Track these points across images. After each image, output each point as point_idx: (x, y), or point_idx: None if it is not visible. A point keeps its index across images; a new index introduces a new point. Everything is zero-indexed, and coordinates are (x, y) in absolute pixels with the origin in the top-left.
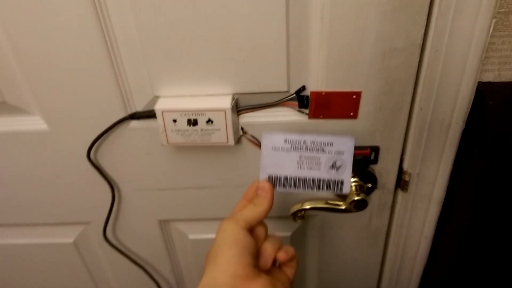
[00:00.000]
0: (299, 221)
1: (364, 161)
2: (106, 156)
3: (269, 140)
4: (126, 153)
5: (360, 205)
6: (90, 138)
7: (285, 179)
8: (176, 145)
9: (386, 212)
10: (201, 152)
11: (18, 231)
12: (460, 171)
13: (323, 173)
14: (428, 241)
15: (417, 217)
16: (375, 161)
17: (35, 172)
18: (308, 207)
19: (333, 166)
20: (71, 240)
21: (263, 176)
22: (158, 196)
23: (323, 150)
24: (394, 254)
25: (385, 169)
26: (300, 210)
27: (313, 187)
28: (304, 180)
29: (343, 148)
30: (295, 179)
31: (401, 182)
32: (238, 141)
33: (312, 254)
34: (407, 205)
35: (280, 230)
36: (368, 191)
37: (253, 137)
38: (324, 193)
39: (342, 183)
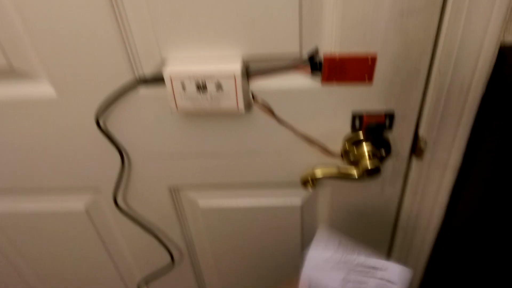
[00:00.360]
0: (309, 189)
1: (379, 128)
2: (115, 123)
3: (312, 258)
4: (136, 120)
5: (373, 173)
6: (99, 104)
7: None
8: (185, 112)
9: (400, 180)
10: (211, 119)
11: (30, 200)
12: (478, 138)
13: None
14: (442, 209)
15: (432, 185)
16: (389, 127)
17: (44, 139)
18: (318, 175)
19: None
20: (82, 208)
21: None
22: (168, 163)
23: (374, 274)
24: (406, 222)
25: (400, 136)
26: (311, 178)
27: None
28: None
29: (395, 278)
30: None
31: (416, 149)
32: (248, 108)
33: (323, 223)
34: (421, 173)
35: (289, 200)
36: (382, 159)
37: (263, 104)
38: None
39: None
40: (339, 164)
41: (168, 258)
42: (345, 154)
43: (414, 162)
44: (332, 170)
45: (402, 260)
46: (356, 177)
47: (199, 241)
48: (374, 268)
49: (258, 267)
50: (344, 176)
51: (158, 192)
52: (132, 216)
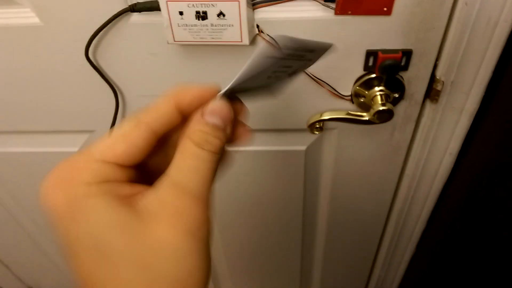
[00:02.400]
0: (316, 132)
1: (394, 67)
2: (107, 56)
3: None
4: (128, 53)
5: (384, 116)
6: (88, 34)
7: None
8: (183, 43)
9: (411, 125)
10: (212, 53)
11: (22, 139)
12: (497, 81)
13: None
14: (452, 157)
15: (444, 131)
16: (405, 67)
17: (31, 73)
18: (327, 117)
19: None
20: (75, 149)
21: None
22: None
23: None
24: (413, 171)
25: (415, 77)
26: (319, 121)
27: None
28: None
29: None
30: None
31: (432, 92)
32: (253, 41)
33: (326, 169)
34: (434, 117)
35: (293, 144)
36: (394, 102)
37: (270, 36)
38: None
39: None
40: (349, 107)
41: None
42: (355, 97)
43: (428, 106)
44: (341, 113)
45: (404, 211)
46: (367, 119)
47: None
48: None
49: (258, 212)
50: (354, 119)
51: None
52: None
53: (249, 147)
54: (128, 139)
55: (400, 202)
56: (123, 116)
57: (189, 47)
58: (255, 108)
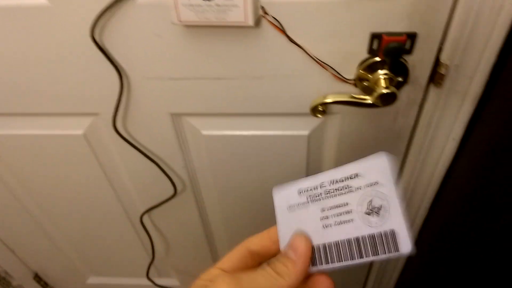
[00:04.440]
0: (319, 116)
1: (398, 50)
2: (112, 38)
3: (282, 199)
4: (134, 34)
5: (388, 100)
6: (94, 14)
7: (316, 250)
8: (188, 24)
9: (414, 110)
10: (217, 35)
11: (27, 121)
12: (502, 65)
13: (360, 226)
14: (456, 142)
15: (448, 116)
16: (410, 50)
17: (37, 54)
18: (330, 100)
19: (371, 209)
20: (80, 132)
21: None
22: (170, 86)
23: (350, 188)
24: (415, 156)
25: (420, 61)
26: (322, 104)
27: (353, 255)
28: (337, 246)
29: (376, 175)
30: (325, 247)
31: (436, 76)
32: (257, 23)
33: (328, 154)
34: (438, 102)
35: (296, 129)
36: (398, 86)
37: (274, 18)
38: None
39: (393, 233)
40: (353, 91)
41: (171, 188)
42: (359, 81)
43: (432, 90)
44: (344, 96)
45: (407, 197)
46: (370, 102)
47: (202, 170)
48: (350, 178)
49: (260, 197)
50: (357, 102)
51: (159, 118)
52: (131, 142)
53: (252, 131)
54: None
55: (402, 188)
56: (128, 98)
57: (194, 29)
58: (257, 92)
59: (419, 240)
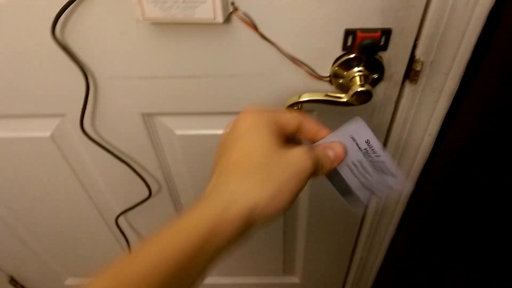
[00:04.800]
0: None
1: (373, 47)
2: (75, 36)
3: (355, 129)
4: (98, 32)
5: (363, 98)
6: (54, 11)
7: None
8: (154, 21)
9: (390, 107)
10: (186, 32)
11: None
12: (477, 60)
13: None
14: (432, 138)
15: (423, 113)
16: (384, 47)
17: None
18: (305, 99)
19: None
20: (47, 133)
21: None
22: (139, 86)
23: (382, 174)
24: (393, 152)
25: (394, 57)
26: (297, 103)
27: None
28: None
29: (397, 186)
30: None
31: (411, 73)
32: (227, 19)
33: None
34: (414, 98)
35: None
36: (374, 83)
37: (245, 15)
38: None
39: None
40: (328, 89)
41: (146, 190)
42: (334, 78)
43: (407, 87)
44: (319, 95)
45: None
46: (345, 100)
47: (177, 170)
48: (386, 170)
49: None
50: (332, 100)
51: (129, 118)
52: (101, 144)
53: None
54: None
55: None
56: (95, 98)
57: (162, 26)
58: (231, 90)
59: (398, 234)
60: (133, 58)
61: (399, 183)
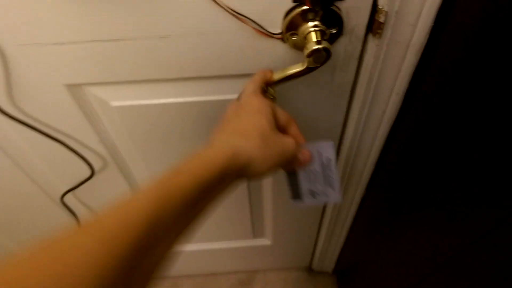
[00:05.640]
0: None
1: None
2: None
3: (323, 148)
4: None
5: (321, 57)
6: None
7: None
8: None
9: (353, 64)
10: None
11: None
12: (448, 10)
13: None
14: (399, 97)
15: (390, 69)
16: None
17: None
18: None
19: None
20: None
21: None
22: (56, 53)
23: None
24: (358, 113)
25: (354, 8)
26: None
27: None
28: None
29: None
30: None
31: (374, 25)
32: None
33: None
34: (378, 54)
35: (223, 93)
36: (332, 38)
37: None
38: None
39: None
40: (281, 48)
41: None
42: (287, 35)
43: (371, 41)
44: (279, 73)
45: (352, 155)
46: (302, 69)
47: (122, 142)
48: (331, 184)
49: None
50: (292, 75)
51: (53, 91)
52: (26, 122)
53: (171, 99)
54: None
55: (346, 147)
56: (7, 71)
57: None
58: (167, 53)
59: (367, 195)
60: (44, 20)
61: (336, 197)
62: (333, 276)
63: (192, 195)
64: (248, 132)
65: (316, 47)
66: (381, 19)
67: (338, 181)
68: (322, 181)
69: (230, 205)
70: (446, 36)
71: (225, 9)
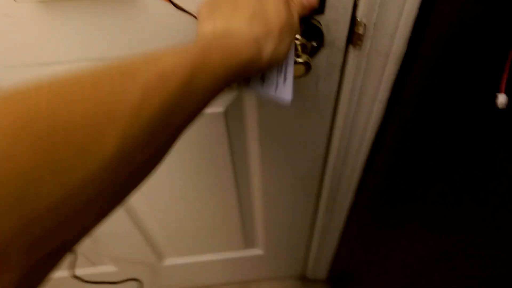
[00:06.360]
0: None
1: None
2: None
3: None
4: None
5: (301, 70)
6: None
7: None
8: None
9: (335, 75)
10: (83, 10)
11: None
12: (425, 21)
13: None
14: (383, 105)
15: (371, 78)
16: (321, 10)
17: None
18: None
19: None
20: None
21: None
22: (41, 73)
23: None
24: (343, 122)
25: (334, 21)
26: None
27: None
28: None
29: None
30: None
31: (354, 37)
32: None
33: (251, 130)
34: (360, 64)
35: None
36: (313, 51)
37: None
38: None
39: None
40: None
41: None
42: None
43: (351, 52)
44: None
45: (339, 163)
46: None
47: None
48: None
49: (188, 182)
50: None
51: None
52: None
53: None
54: None
55: (333, 155)
56: None
57: (51, 4)
58: None
59: (356, 202)
60: (23, 43)
61: (285, 92)
62: (327, 284)
63: (221, 75)
64: (270, 24)
65: (297, 60)
66: (360, 31)
67: (291, 73)
68: (276, 68)
69: (220, 216)
70: (425, 45)
71: None
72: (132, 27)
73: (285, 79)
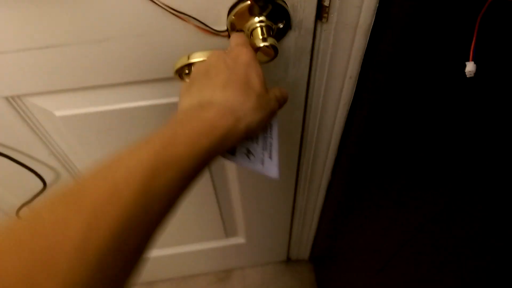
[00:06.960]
0: (187, 80)
1: None
2: None
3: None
4: None
5: (268, 54)
6: None
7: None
8: None
9: (305, 58)
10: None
11: None
12: None
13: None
14: (353, 80)
15: (340, 54)
16: None
17: None
18: (195, 60)
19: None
20: None
21: None
22: None
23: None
24: (315, 101)
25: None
26: (188, 65)
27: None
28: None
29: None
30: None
31: (321, 10)
32: None
33: None
34: (328, 39)
35: (165, 96)
36: (281, 33)
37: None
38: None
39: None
40: (227, 44)
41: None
42: (233, 32)
43: (319, 28)
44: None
45: (313, 144)
46: None
47: (75, 154)
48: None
49: None
50: None
51: None
52: None
53: (117, 105)
54: None
55: (308, 138)
56: None
57: None
58: (106, 58)
59: (333, 181)
60: None
61: (272, 169)
62: (310, 264)
63: (189, 165)
64: (245, 89)
65: (262, 44)
66: (326, 3)
67: (277, 151)
68: (261, 145)
69: (198, 207)
70: (393, 16)
71: (163, 7)
72: (88, 11)
73: (270, 156)
